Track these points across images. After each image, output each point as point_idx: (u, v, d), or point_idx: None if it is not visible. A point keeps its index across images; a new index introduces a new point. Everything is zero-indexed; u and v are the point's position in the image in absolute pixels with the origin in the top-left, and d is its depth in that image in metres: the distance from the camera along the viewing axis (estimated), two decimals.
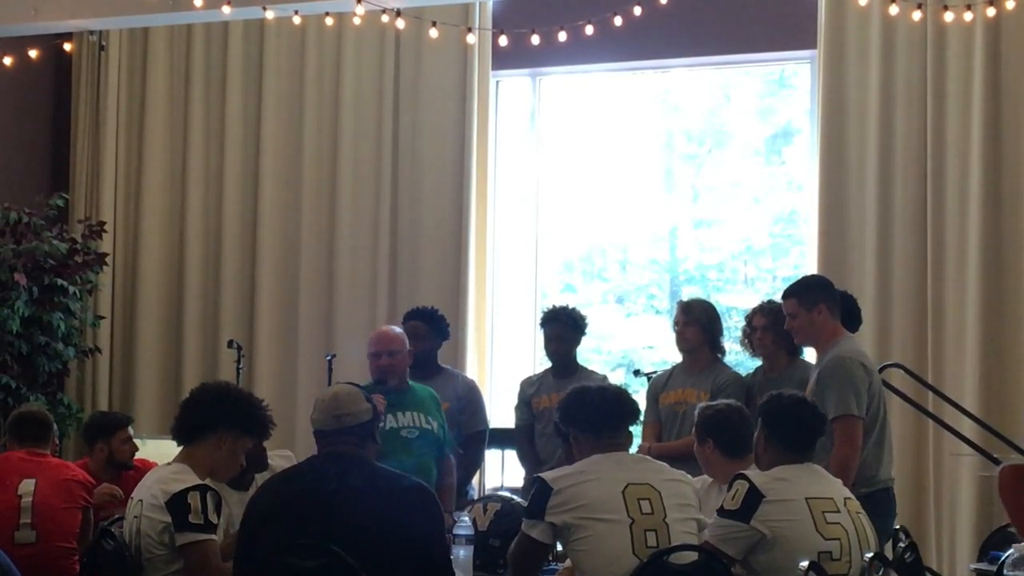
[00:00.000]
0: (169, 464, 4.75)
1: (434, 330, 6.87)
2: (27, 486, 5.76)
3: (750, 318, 6.54)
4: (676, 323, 6.75)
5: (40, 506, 5.71)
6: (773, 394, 4.95)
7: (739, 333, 6.76)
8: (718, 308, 6.98)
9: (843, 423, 5.58)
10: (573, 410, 4.68)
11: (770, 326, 6.34)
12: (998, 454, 6.80)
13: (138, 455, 6.53)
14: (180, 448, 4.78)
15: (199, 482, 4.55)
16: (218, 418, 4.69)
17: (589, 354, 8.76)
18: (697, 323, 6.64)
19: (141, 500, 4.65)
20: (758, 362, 6.76)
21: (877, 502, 5.43)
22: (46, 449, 6.00)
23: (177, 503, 4.49)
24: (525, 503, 4.72)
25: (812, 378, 5.80)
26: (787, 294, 6.00)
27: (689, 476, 4.75)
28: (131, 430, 6.52)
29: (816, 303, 5.83)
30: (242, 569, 4.22)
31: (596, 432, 4.57)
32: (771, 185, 9.37)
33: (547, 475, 4.52)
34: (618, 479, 4.43)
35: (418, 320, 6.87)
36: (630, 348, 9.51)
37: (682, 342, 6.70)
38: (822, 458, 5.51)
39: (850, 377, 5.64)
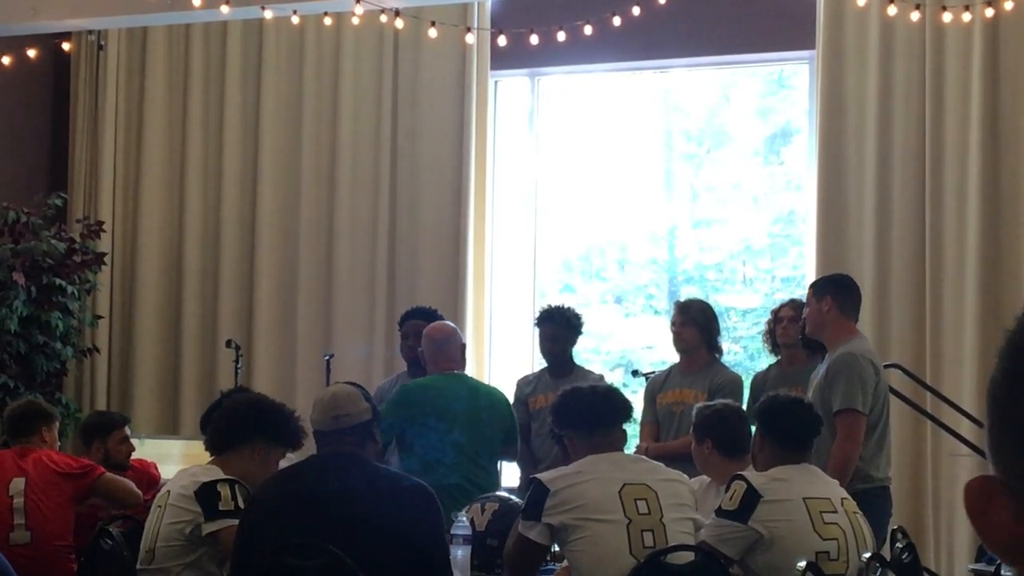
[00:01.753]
0: (201, 465, 4.82)
1: None
2: (17, 485, 5.74)
3: (776, 311, 6.61)
4: (673, 323, 6.75)
5: (32, 506, 5.70)
6: (770, 395, 4.97)
7: (756, 327, 6.80)
8: (716, 308, 6.99)
9: (847, 417, 5.63)
10: (565, 411, 4.69)
11: (797, 319, 6.37)
12: None
13: (136, 455, 6.53)
14: (212, 457, 4.83)
15: (230, 477, 4.62)
16: (253, 431, 4.74)
17: (588, 354, 8.76)
18: (694, 323, 6.65)
19: (169, 491, 4.73)
20: (756, 364, 6.77)
21: (873, 499, 5.46)
22: (34, 442, 5.95)
23: (207, 492, 4.58)
24: (522, 503, 4.73)
25: (821, 371, 5.84)
26: (810, 284, 6.24)
27: (686, 476, 4.76)
28: (128, 430, 6.51)
29: (824, 294, 5.95)
30: (240, 569, 4.22)
31: (590, 431, 4.57)
32: (770, 185, 9.37)
33: (543, 476, 4.52)
34: (615, 479, 4.43)
35: (419, 319, 6.89)
36: (629, 348, 9.51)
37: (679, 342, 6.71)
38: (823, 452, 5.54)
39: (860, 373, 5.72)
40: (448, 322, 6.69)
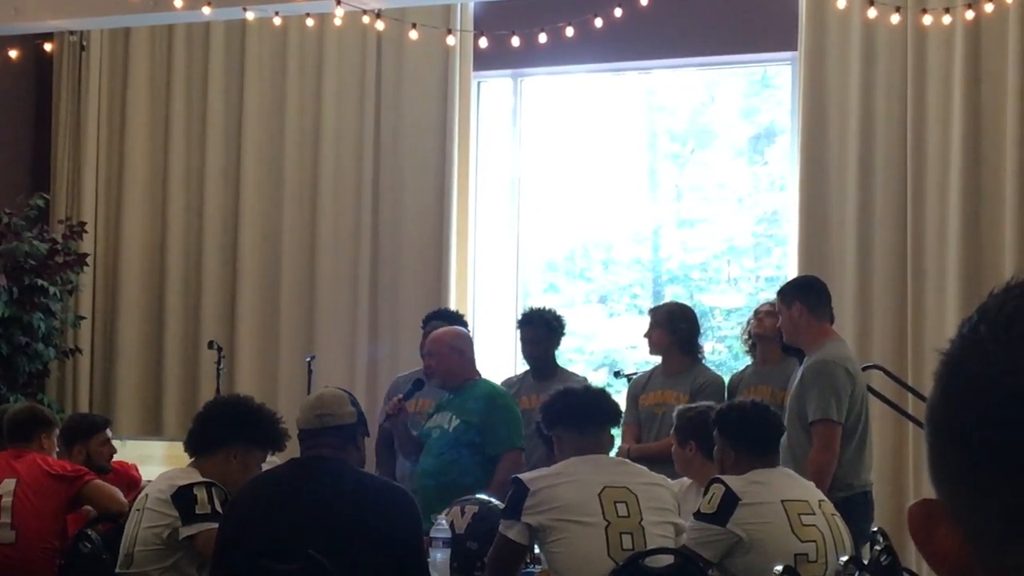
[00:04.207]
0: (179, 468, 4.82)
1: None
2: (7, 486, 5.73)
3: (757, 309, 6.59)
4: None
5: (19, 507, 5.69)
6: (729, 405, 4.99)
7: (740, 327, 6.80)
8: (700, 308, 6.99)
9: (822, 428, 5.61)
10: (556, 409, 4.69)
11: (773, 313, 6.35)
12: None
13: (118, 456, 6.52)
14: (191, 459, 4.83)
15: (206, 480, 4.62)
16: (229, 433, 4.74)
17: (572, 354, 8.76)
18: (658, 326, 6.64)
19: (147, 494, 4.72)
20: (740, 363, 6.77)
21: (855, 506, 5.45)
22: (32, 448, 5.94)
23: (183, 496, 4.58)
24: (503, 505, 4.74)
25: (795, 378, 5.82)
26: (777, 292, 6.16)
27: (669, 480, 4.77)
28: (109, 432, 6.50)
29: (792, 301, 5.89)
30: (220, 571, 4.23)
31: (579, 430, 4.58)
32: (754, 185, 9.38)
33: (524, 476, 4.54)
34: (595, 481, 4.44)
35: (438, 320, 6.87)
36: (613, 348, 9.51)
37: (650, 345, 6.71)
38: (801, 460, 5.54)
39: (832, 381, 5.67)
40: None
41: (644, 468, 4.67)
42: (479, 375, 6.34)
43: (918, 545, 0.95)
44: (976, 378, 0.92)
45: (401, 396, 6.37)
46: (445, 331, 6.43)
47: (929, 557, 0.94)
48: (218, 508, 4.52)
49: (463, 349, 6.28)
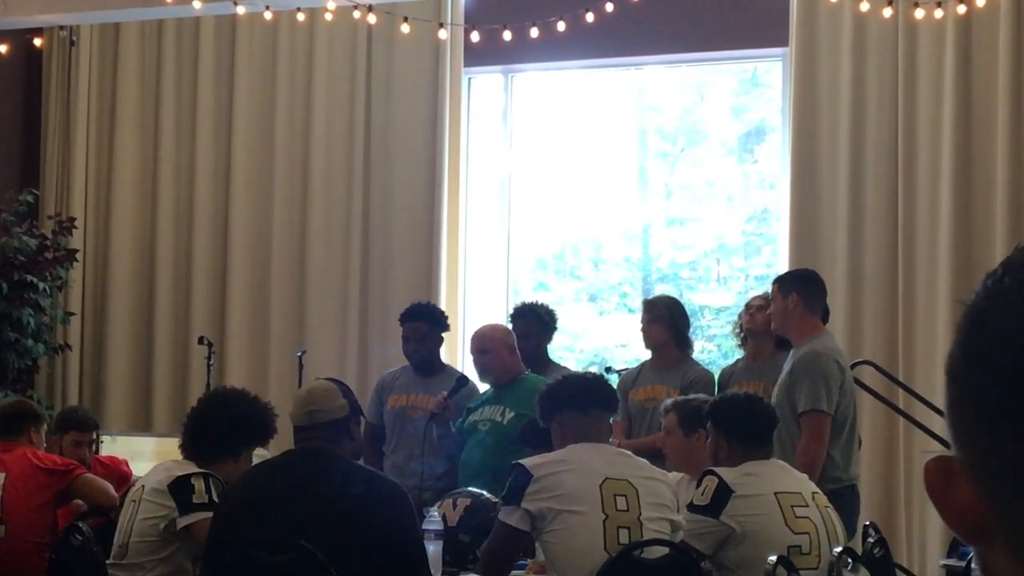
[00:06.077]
0: (175, 460, 4.82)
1: (435, 327, 6.83)
2: None
3: (749, 303, 6.59)
4: (642, 321, 6.76)
5: (9, 501, 5.66)
6: (722, 396, 4.99)
7: (730, 325, 6.80)
8: (690, 306, 6.99)
9: (812, 418, 5.62)
10: (559, 398, 4.66)
11: (766, 307, 6.33)
12: None
13: (108, 452, 6.49)
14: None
15: (204, 471, 4.61)
16: (242, 441, 4.74)
17: (562, 351, 8.75)
18: (660, 320, 6.64)
19: (144, 485, 4.70)
20: (729, 361, 6.76)
21: (842, 499, 5.45)
22: (21, 442, 5.91)
23: (181, 485, 4.57)
24: (495, 499, 4.73)
25: (785, 369, 5.83)
26: (774, 280, 6.17)
27: (668, 475, 4.76)
28: (94, 435, 6.43)
29: (791, 291, 5.91)
30: (212, 563, 4.21)
31: (584, 412, 4.56)
32: (744, 183, 9.38)
33: (526, 461, 4.50)
34: (597, 472, 4.42)
35: (418, 322, 6.80)
36: (603, 346, 9.50)
37: (647, 340, 6.71)
38: (789, 451, 5.54)
39: (824, 372, 5.69)
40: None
41: (645, 462, 4.65)
42: (526, 370, 6.36)
43: (934, 501, 0.94)
44: (997, 331, 0.90)
45: (446, 394, 6.33)
46: (493, 327, 6.49)
47: (945, 513, 0.93)
48: (215, 498, 4.51)
49: (513, 345, 6.33)
